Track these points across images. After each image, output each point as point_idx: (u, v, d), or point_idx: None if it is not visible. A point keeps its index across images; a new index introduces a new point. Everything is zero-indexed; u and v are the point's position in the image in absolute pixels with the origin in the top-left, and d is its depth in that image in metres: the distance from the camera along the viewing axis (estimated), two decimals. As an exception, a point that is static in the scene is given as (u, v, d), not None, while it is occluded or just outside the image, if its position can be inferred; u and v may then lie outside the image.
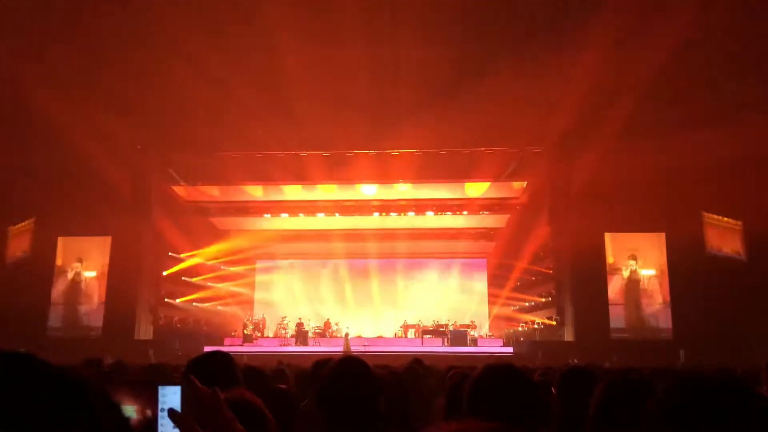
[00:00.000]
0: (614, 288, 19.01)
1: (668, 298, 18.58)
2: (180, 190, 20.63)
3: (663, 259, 18.79)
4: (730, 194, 17.86)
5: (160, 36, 14.00)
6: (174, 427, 1.06)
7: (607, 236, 19.00)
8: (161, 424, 1.07)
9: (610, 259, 18.97)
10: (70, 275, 19.99)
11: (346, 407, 2.18)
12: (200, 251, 21.79)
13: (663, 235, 18.79)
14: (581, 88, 14.98)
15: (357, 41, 14.26)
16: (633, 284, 18.96)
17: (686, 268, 17.97)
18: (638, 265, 19.00)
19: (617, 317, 18.80)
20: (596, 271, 18.76)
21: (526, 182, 20.21)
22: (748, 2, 13.13)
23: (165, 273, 20.60)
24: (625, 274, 19.02)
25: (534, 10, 13.69)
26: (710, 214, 19.13)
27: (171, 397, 1.08)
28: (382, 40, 14.61)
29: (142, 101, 16.21)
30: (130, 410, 1.04)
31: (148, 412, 1.06)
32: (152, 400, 1.07)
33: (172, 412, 1.05)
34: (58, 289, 19.95)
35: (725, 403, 1.30)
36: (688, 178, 17.34)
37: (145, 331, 19.94)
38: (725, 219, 19.23)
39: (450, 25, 14.02)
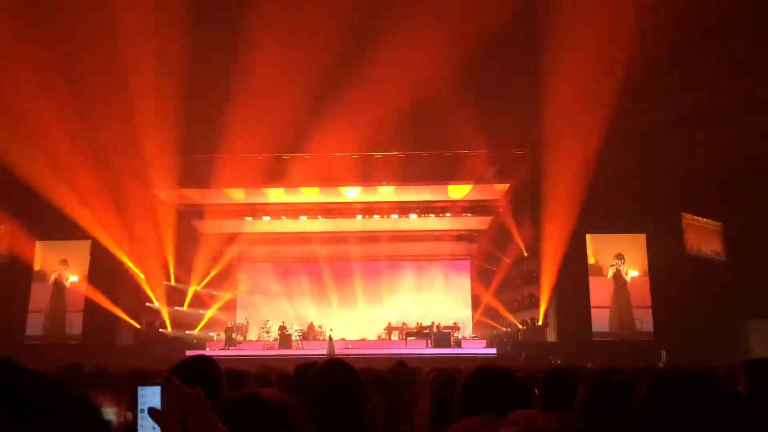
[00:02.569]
0: (600, 289, 19.00)
1: (649, 298, 18.75)
2: (161, 194, 20.43)
3: (644, 260, 18.97)
4: (710, 195, 18.15)
5: (139, 40, 13.89)
6: (154, 428, 1.04)
7: (589, 237, 19.14)
8: (141, 426, 1.05)
9: (591, 260, 19.10)
10: (51, 278, 19.60)
11: (331, 410, 2.18)
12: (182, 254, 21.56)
13: (644, 236, 18.97)
14: (562, 90, 15.12)
15: (338, 43, 14.26)
16: (620, 285, 19.00)
17: (667, 269, 18.18)
18: (625, 265, 19.08)
19: (603, 319, 18.78)
20: (578, 272, 18.90)
21: (508, 184, 20.33)
22: (730, 6, 13.31)
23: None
24: (611, 273, 19.06)
25: (515, 13, 13.78)
26: (690, 215, 19.39)
27: (150, 397, 1.06)
28: (363, 42, 14.63)
29: (122, 104, 16.04)
30: (110, 412, 1.03)
31: (128, 414, 1.04)
32: (132, 401, 1.05)
33: (152, 411, 1.03)
34: (36, 295, 19.54)
35: (702, 401, 1.32)
36: (668, 179, 17.60)
37: (125, 336, 19.70)
38: (705, 220, 19.51)
39: (432, 28, 14.07)
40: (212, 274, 22.61)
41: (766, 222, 16.97)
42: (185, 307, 21.90)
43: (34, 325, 19.36)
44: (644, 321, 18.65)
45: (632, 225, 18.75)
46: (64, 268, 19.71)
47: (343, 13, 13.47)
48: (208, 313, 22.31)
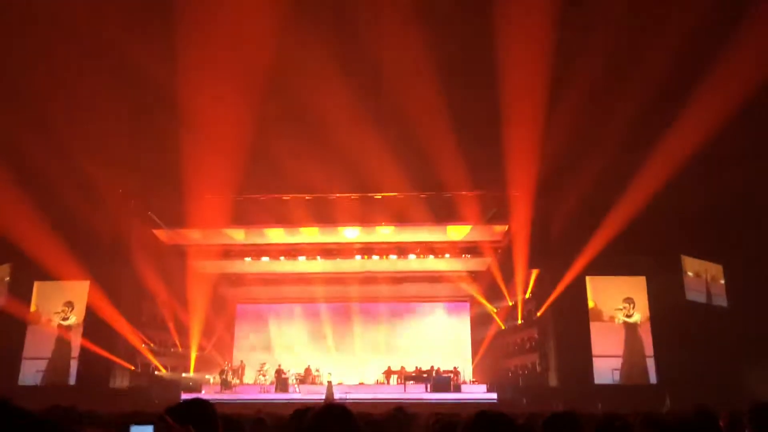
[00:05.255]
0: (600, 336, 18.56)
1: (650, 341, 18.49)
2: (160, 234, 20.45)
3: (645, 304, 18.77)
4: (710, 237, 18.14)
5: (142, 83, 14.13)
6: None
7: (588, 280, 19.01)
8: None
9: (590, 304, 18.90)
10: (55, 321, 18.96)
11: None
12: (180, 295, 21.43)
13: (643, 278, 18.86)
14: (560, 133, 15.29)
15: (339, 84, 14.49)
16: (631, 331, 18.55)
17: (668, 313, 18.03)
18: (634, 309, 18.66)
19: (606, 369, 18.28)
20: (579, 316, 18.73)
21: (507, 226, 20.37)
22: (722, 53, 13.54)
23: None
24: (620, 318, 18.72)
25: (513, 56, 14.05)
26: (690, 258, 19.34)
27: None
28: (365, 84, 14.88)
29: (124, 145, 16.21)
30: None
31: None
32: None
33: None
34: (32, 339, 18.83)
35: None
36: (667, 221, 17.60)
37: (120, 379, 19.38)
38: (705, 262, 19.45)
39: (433, 72, 14.31)
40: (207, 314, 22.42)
41: (767, 264, 16.94)
42: (179, 349, 21.67)
43: (30, 372, 18.50)
44: (650, 365, 18.25)
45: (632, 267, 18.64)
46: (69, 310, 19.12)
47: (348, 57, 13.76)
48: (193, 354, 21.86)
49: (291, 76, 14.65)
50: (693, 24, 12.58)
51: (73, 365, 18.59)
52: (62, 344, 18.86)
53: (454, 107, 15.13)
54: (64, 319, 19.10)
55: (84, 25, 13.29)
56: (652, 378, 18.04)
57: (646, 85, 13.77)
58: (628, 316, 18.62)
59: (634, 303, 18.69)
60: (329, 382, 19.53)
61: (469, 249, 21.60)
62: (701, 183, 16.34)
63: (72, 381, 18.40)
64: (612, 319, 18.72)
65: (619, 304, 18.71)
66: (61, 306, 19.20)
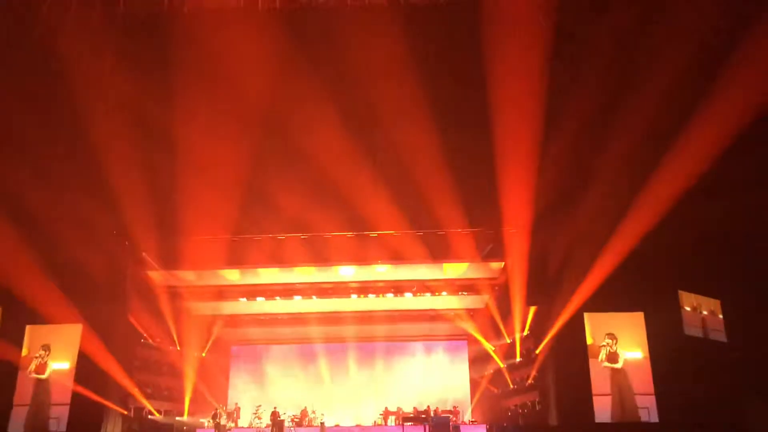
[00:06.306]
0: (598, 373, 18.14)
1: (651, 378, 18.19)
2: (154, 275, 20.28)
3: (643, 339, 18.50)
4: (708, 272, 18.06)
5: (136, 120, 14.22)
6: None
7: (587, 316, 18.80)
8: None
9: (589, 340, 18.65)
10: (31, 367, 18.16)
11: None
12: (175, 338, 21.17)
13: (641, 314, 18.66)
14: (555, 168, 15.37)
15: (335, 124, 14.62)
16: (616, 368, 18.17)
17: (667, 350, 17.83)
18: (617, 346, 18.48)
19: (604, 407, 17.79)
20: (577, 353, 18.47)
21: (503, 263, 20.28)
22: (714, 85, 13.68)
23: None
24: (602, 355, 18.29)
25: (506, 93, 14.21)
26: (687, 293, 19.23)
27: None
28: (359, 123, 15.01)
29: (119, 186, 16.20)
30: None
31: None
32: None
33: None
34: (21, 385, 18.03)
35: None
36: (665, 255, 17.55)
37: (113, 424, 18.91)
38: (703, 297, 19.34)
39: (427, 111, 14.46)
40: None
41: (765, 298, 16.86)
42: (173, 392, 21.26)
43: (20, 419, 17.66)
44: (649, 403, 17.87)
45: (630, 303, 18.45)
46: (45, 354, 18.31)
47: (343, 100, 13.92)
48: (187, 397, 21.35)
49: (287, 117, 14.79)
50: (684, 59, 12.77)
51: (59, 411, 17.76)
52: (40, 389, 18.02)
53: (448, 145, 15.25)
54: (41, 364, 18.25)
55: (81, 64, 13.43)
56: (653, 416, 17.66)
57: (640, 119, 13.91)
58: (611, 353, 18.23)
59: (616, 339, 18.34)
60: (322, 424, 19.22)
61: (466, 286, 21.47)
62: (696, 217, 16.36)
63: (54, 427, 17.60)
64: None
65: (604, 341, 18.38)
66: (38, 350, 18.33)
